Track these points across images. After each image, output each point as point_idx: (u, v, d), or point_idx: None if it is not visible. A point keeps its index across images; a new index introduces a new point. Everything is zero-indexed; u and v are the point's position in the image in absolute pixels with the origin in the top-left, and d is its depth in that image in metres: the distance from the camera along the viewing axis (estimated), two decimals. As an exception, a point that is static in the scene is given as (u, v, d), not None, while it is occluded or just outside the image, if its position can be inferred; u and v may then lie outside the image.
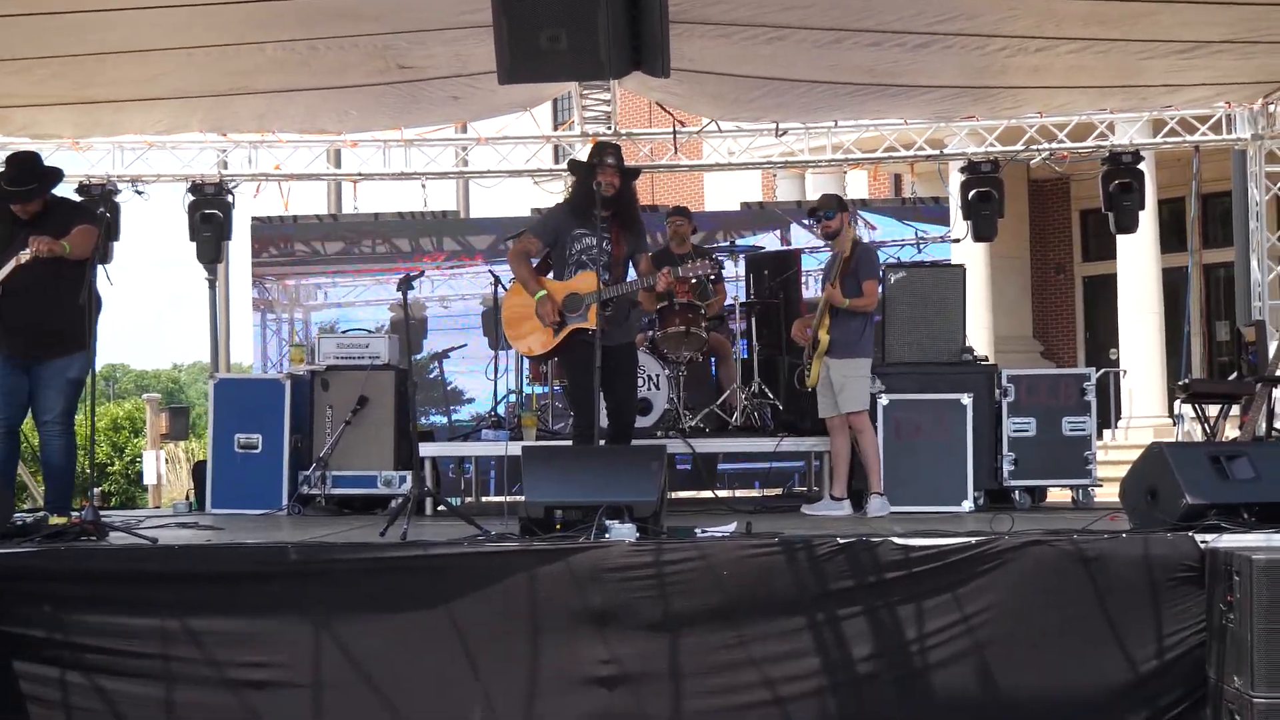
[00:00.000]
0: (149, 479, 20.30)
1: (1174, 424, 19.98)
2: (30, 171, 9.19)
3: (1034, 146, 13.95)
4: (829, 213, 10.28)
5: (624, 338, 9.45)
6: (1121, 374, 11.34)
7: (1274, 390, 11.00)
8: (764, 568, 7.20)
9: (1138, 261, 21.44)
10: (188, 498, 11.95)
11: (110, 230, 12.50)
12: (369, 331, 12.68)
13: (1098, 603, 7.08)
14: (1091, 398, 10.82)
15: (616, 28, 7.33)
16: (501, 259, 13.65)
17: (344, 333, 12.21)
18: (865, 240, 10.55)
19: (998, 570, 7.13)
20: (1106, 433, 11.03)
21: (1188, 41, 10.60)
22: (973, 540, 7.19)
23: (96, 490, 10.04)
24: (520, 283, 9.54)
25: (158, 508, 15.93)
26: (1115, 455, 11.10)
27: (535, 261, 9.66)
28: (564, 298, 9.25)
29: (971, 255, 15.94)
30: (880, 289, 10.47)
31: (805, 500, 11.32)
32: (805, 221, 14.56)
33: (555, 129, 15.86)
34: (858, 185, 22.72)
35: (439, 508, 10.02)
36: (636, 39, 7.56)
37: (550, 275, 9.56)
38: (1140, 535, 7.23)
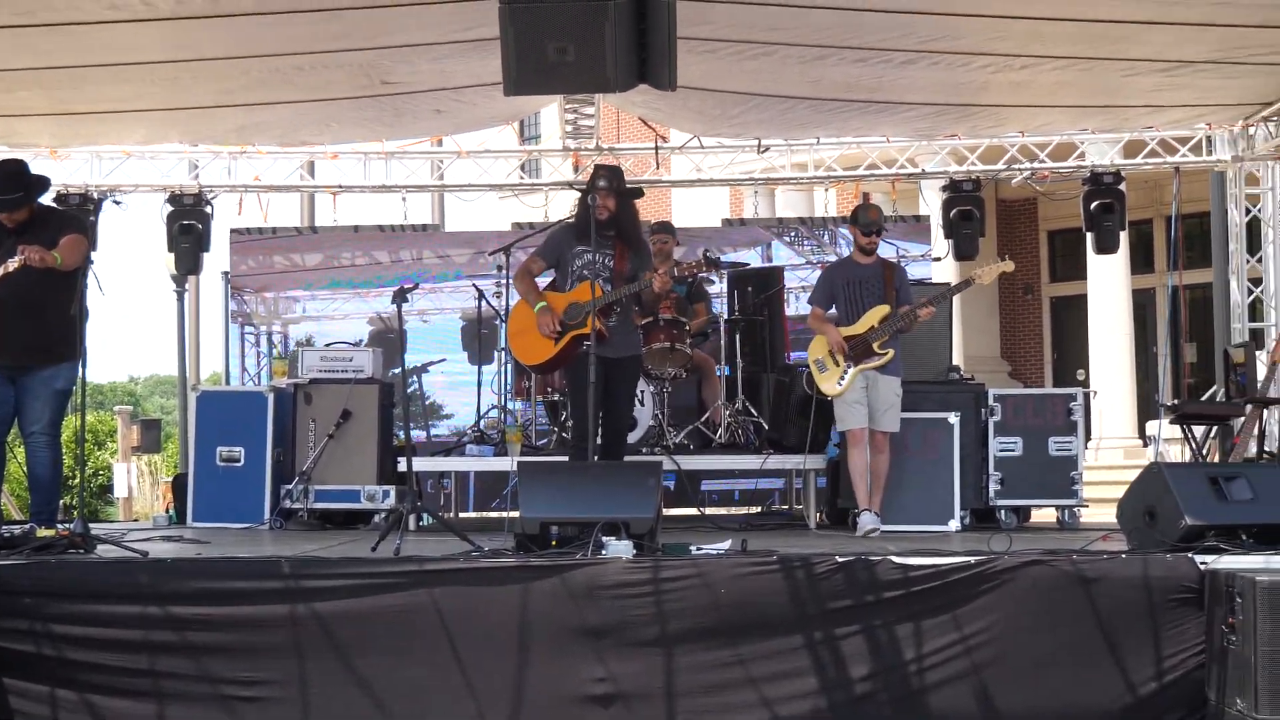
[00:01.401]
0: (120, 491, 20.17)
1: (1145, 445, 20.09)
2: (16, 179, 9.08)
3: (1015, 165, 13.99)
4: (881, 229, 10.34)
5: (627, 350, 9.49)
6: (1092, 394, 11.38)
7: (1264, 412, 11.03)
8: (761, 586, 7.14)
9: (1108, 282, 21.54)
10: (167, 510, 11.85)
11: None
12: (352, 345, 12.61)
13: (1096, 623, 7.04)
14: (1079, 418, 10.87)
15: (623, 41, 7.31)
16: (481, 274, 13.63)
17: (327, 346, 12.14)
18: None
19: (997, 590, 7.09)
20: (1076, 453, 11.12)
21: (1171, 61, 10.67)
22: (971, 560, 7.15)
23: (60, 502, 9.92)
24: (522, 296, 9.59)
25: (135, 521, 15.78)
26: (1088, 476, 11.16)
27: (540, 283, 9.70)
28: (565, 307, 9.28)
29: (938, 275, 15.94)
30: None
31: (789, 518, 11.27)
32: (787, 238, 14.58)
33: (521, 143, 15.83)
34: (827, 203, 22.70)
35: (423, 522, 9.94)
36: (643, 51, 7.53)
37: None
38: (1139, 556, 7.20)
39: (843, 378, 9.98)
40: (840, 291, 10.22)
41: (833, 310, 10.22)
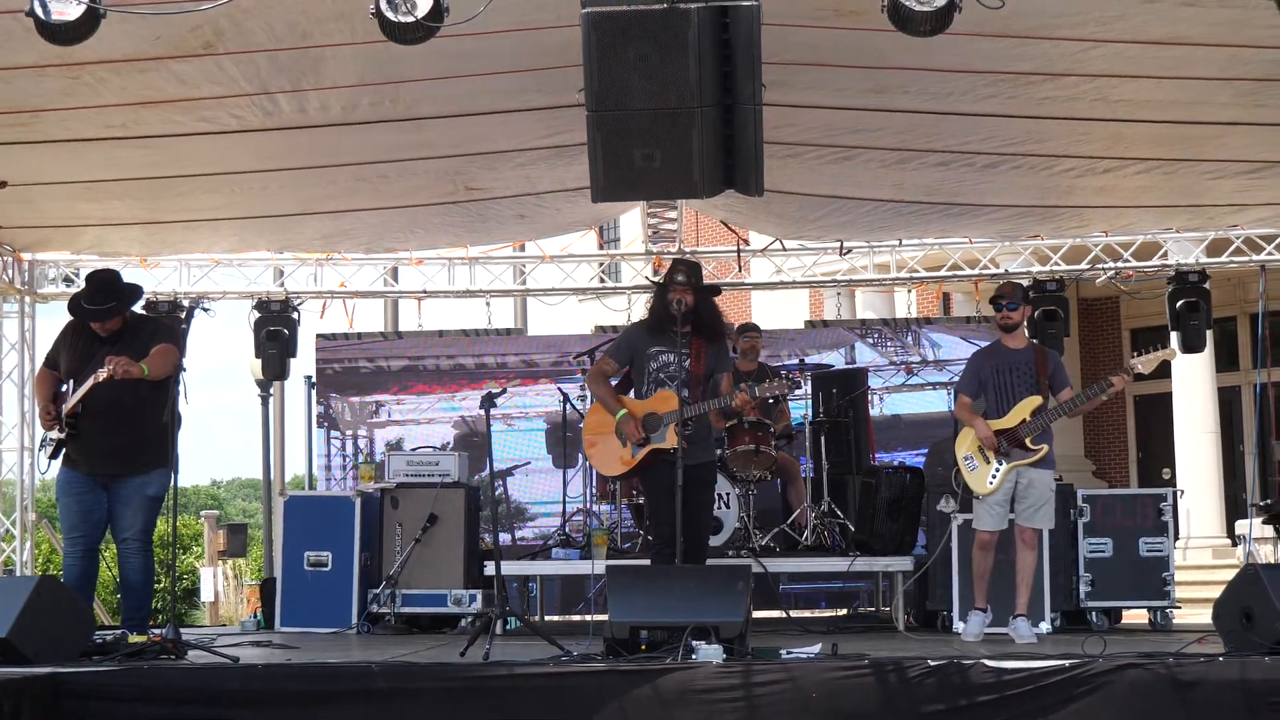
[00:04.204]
0: (206, 596, 20.29)
1: (1234, 544, 19.80)
2: (109, 289, 9.22)
3: (1099, 265, 13.93)
4: (1013, 303, 9.65)
5: (703, 456, 9.28)
6: (1179, 494, 11.26)
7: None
8: (853, 689, 7.07)
9: (1193, 380, 21.31)
10: (255, 615, 11.91)
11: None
12: (439, 449, 12.69)
13: (1195, 728, 6.94)
14: (1169, 518, 10.75)
15: (710, 147, 7.34)
16: (565, 377, 13.68)
17: (413, 450, 12.19)
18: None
19: (1092, 694, 6.95)
20: (1164, 553, 10.98)
21: (1255, 162, 10.61)
22: (1066, 663, 7.05)
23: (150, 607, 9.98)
24: (600, 403, 9.41)
25: (223, 625, 15.86)
26: (1176, 576, 11.03)
27: (614, 381, 9.58)
28: (643, 417, 9.12)
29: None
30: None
31: (876, 620, 11.19)
32: (871, 340, 14.56)
33: (600, 248, 15.92)
34: (910, 304, 22.69)
35: (509, 626, 9.95)
36: (729, 157, 7.56)
37: (631, 393, 9.47)
38: (1237, 659, 7.08)
39: (994, 476, 9.47)
40: (989, 379, 9.65)
41: (981, 400, 9.68)
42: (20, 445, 13.49)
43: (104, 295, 9.17)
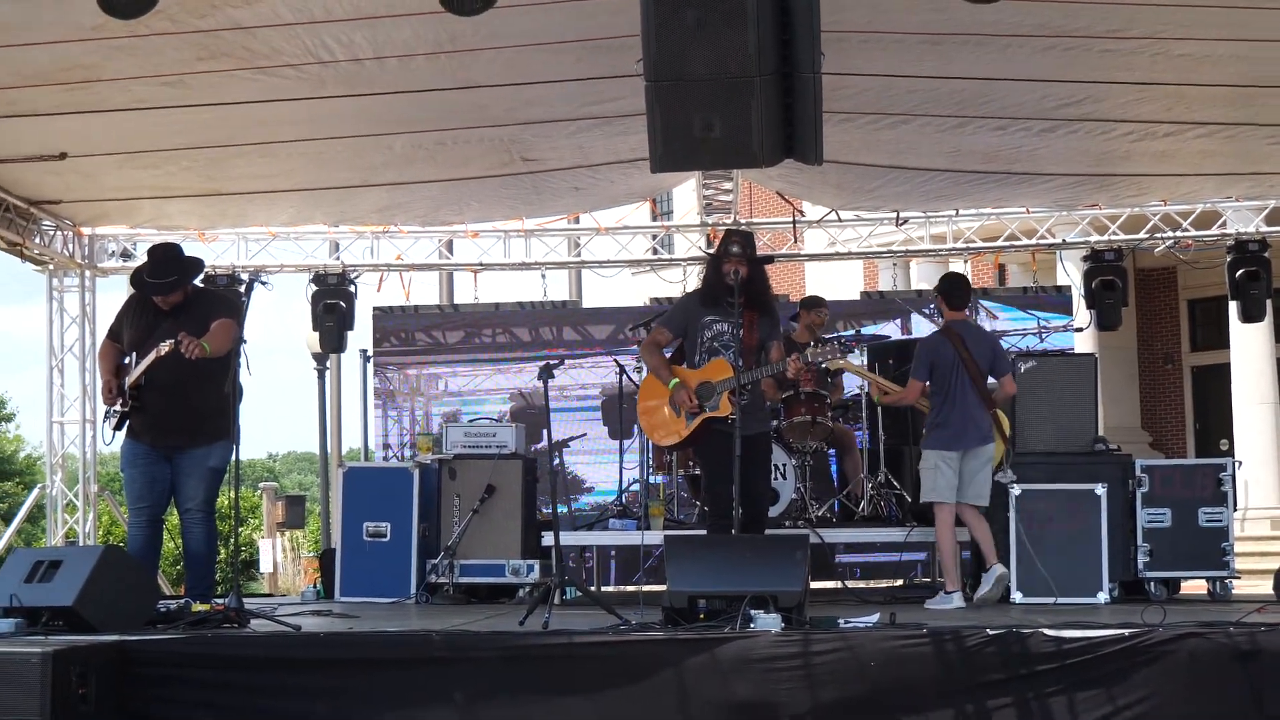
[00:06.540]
0: (265, 566, 20.44)
1: (1294, 516, 19.70)
2: (172, 263, 9.33)
3: (1157, 235, 13.84)
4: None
5: (758, 427, 9.27)
6: (1237, 465, 11.18)
7: None
8: (912, 658, 7.10)
9: (1252, 351, 21.19)
10: (314, 585, 11.98)
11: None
12: (496, 420, 12.72)
13: (1255, 697, 6.91)
14: (1229, 488, 10.64)
15: (769, 116, 7.31)
16: (621, 349, 13.70)
17: (471, 422, 12.23)
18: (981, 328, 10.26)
19: (1152, 663, 6.96)
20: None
21: (1316, 126, 10.52)
22: (1126, 632, 7.04)
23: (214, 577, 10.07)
24: (653, 372, 9.47)
25: (285, 595, 15.95)
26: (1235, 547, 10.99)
27: (668, 352, 9.62)
28: (696, 386, 9.18)
29: (1078, 345, 15.79)
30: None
31: (933, 590, 11.16)
32: (926, 310, 14.51)
33: (654, 220, 15.89)
34: (968, 275, 22.63)
35: (566, 596, 9.98)
36: (789, 126, 7.53)
37: (684, 364, 9.50)
38: (1299, 628, 7.08)
39: None
40: None
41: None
42: (82, 418, 13.61)
43: (166, 269, 9.27)
